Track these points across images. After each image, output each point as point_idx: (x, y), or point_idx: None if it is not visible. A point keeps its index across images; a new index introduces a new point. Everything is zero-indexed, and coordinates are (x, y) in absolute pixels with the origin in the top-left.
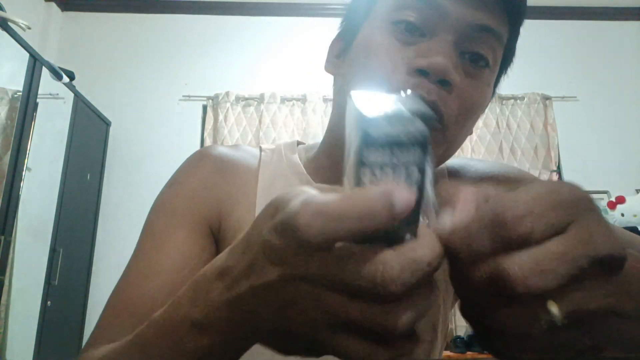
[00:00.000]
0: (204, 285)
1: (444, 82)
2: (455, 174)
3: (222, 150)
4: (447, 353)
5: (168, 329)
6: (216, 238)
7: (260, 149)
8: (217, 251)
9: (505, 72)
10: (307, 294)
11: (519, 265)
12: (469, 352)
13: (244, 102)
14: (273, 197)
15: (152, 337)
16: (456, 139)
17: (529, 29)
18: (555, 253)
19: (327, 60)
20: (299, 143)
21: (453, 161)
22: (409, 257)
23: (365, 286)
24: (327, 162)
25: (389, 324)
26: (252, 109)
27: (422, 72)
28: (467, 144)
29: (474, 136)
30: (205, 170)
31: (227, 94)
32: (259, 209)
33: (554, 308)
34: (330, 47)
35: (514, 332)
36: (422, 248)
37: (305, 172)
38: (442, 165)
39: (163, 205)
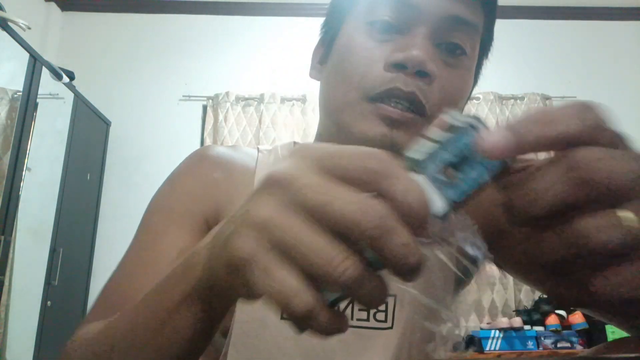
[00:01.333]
0: (196, 260)
1: (422, 74)
2: None
3: (220, 150)
4: None
5: (158, 304)
6: None
7: (258, 150)
8: None
9: (487, 57)
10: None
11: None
12: (469, 352)
13: (244, 102)
14: None
15: (141, 312)
16: None
17: (530, 29)
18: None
19: (311, 67)
20: (296, 143)
21: None
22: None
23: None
24: None
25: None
26: (252, 109)
27: (399, 66)
28: None
29: None
30: (204, 169)
31: (227, 94)
32: None
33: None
34: (313, 53)
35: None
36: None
37: None
38: None
39: (160, 203)
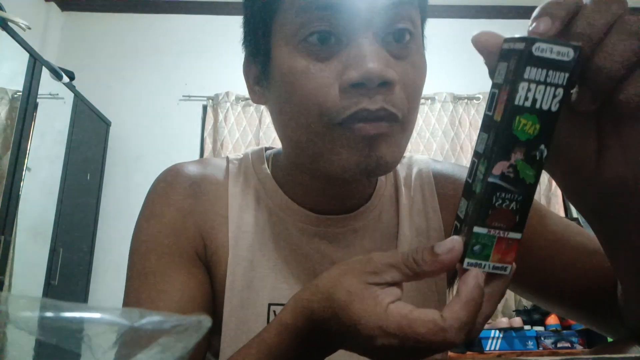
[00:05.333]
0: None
1: (384, 84)
2: (443, 179)
3: (189, 169)
4: None
5: None
6: (204, 262)
7: (228, 160)
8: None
9: (425, 17)
10: None
11: None
12: (468, 352)
13: (244, 102)
14: (248, 220)
15: None
16: (414, 118)
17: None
18: None
19: (249, 90)
20: (267, 149)
21: (440, 165)
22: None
23: None
24: (302, 178)
25: None
26: (252, 109)
27: (358, 85)
28: (466, 143)
29: (473, 136)
30: (179, 196)
31: (227, 94)
32: (232, 225)
33: None
34: (244, 74)
35: None
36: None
37: (279, 188)
38: (426, 168)
39: (147, 243)
